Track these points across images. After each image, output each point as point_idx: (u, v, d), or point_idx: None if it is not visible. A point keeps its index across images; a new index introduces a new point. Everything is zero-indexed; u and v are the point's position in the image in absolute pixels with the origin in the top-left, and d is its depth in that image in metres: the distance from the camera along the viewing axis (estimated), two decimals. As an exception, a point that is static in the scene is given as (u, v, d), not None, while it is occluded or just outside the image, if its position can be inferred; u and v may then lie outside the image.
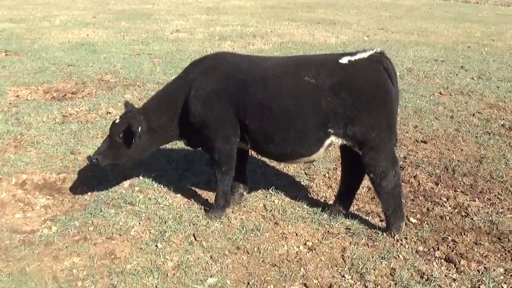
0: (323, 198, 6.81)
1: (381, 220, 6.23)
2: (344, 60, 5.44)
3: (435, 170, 7.65)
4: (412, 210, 6.52)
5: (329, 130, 5.50)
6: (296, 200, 6.67)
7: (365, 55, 5.48)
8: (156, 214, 6.22)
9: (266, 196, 6.74)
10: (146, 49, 16.86)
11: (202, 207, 6.45)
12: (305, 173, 7.51)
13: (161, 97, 6.38)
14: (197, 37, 19.51)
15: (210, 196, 6.69)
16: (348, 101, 5.34)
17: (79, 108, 10.27)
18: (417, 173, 7.56)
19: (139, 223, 6.04)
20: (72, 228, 5.94)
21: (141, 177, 7.19)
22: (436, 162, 7.93)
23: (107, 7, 30.16)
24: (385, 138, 5.47)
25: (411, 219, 6.27)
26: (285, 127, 5.60)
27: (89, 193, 6.85)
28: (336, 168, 7.65)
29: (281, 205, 6.51)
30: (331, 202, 6.64)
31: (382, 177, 5.58)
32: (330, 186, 7.15)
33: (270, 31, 21.30)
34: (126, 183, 7.04)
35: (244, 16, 26.94)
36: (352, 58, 5.45)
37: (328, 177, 7.42)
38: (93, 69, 13.60)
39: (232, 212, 6.32)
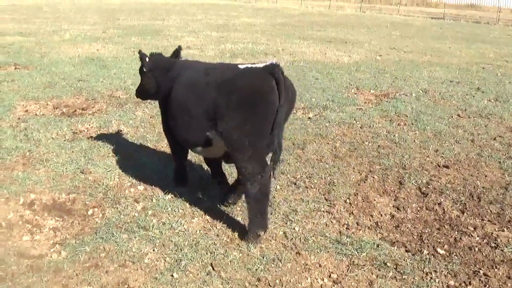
0: (345, 226, 6.48)
1: (407, 251, 5.92)
2: (242, 67, 5.82)
3: (460, 197, 7.33)
4: (439, 240, 6.19)
5: (209, 123, 5.88)
6: (317, 227, 6.36)
7: (261, 65, 5.72)
8: (171, 241, 5.91)
9: (286, 223, 6.42)
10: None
11: (219, 233, 6.13)
12: (325, 198, 7.20)
13: None
14: (208, 54, 19.27)
15: (227, 221, 6.38)
16: (224, 99, 5.65)
17: (89, 125, 10.02)
18: (442, 200, 7.25)
19: (153, 250, 5.72)
20: (82, 253, 5.63)
21: (154, 200, 6.90)
22: (460, 189, 7.61)
23: (117, 22, 30.01)
24: (250, 142, 5.62)
25: (439, 250, 5.95)
26: (180, 117, 6.27)
27: (100, 215, 6.55)
28: (357, 194, 7.36)
29: (302, 233, 6.19)
30: (353, 230, 6.35)
31: (247, 180, 5.75)
32: (352, 213, 6.83)
33: (281, 49, 21.08)
34: (139, 206, 6.74)
35: (254, 34, 26.75)
36: (250, 66, 5.79)
37: (349, 203, 7.11)
38: (103, 85, 13.36)
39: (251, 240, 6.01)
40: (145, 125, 10.05)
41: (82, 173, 7.70)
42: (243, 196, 6.18)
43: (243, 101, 5.59)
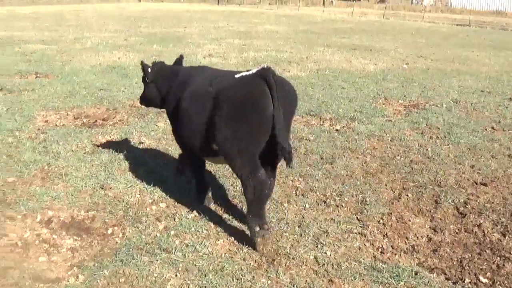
0: (379, 250, 6.08)
1: (447, 279, 5.51)
2: (238, 76, 5.82)
3: (500, 218, 6.88)
4: (480, 267, 5.76)
5: (211, 134, 5.86)
6: (350, 251, 5.97)
7: (254, 70, 5.75)
8: (195, 265, 5.54)
9: (317, 246, 6.02)
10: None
11: (246, 257, 5.76)
12: (357, 218, 6.80)
13: None
14: (230, 62, 18.96)
15: (254, 244, 6.01)
16: (218, 109, 5.71)
17: (110, 137, 9.73)
18: (481, 221, 6.80)
19: (176, 275, 5.36)
20: (101, 278, 5.29)
21: (177, 219, 6.55)
22: (500, 209, 7.16)
23: (139, 30, 29.88)
24: (243, 150, 5.67)
25: (481, 278, 5.52)
26: (187, 127, 6.30)
27: (120, 235, 6.22)
28: (391, 213, 6.95)
29: (334, 258, 5.80)
30: (388, 254, 5.95)
31: (242, 184, 5.84)
32: (386, 235, 6.43)
33: (305, 57, 20.71)
34: (160, 225, 6.39)
35: (277, 41, 26.43)
36: (244, 74, 5.79)
37: (383, 224, 6.70)
38: (124, 94, 13.08)
39: (280, 265, 5.61)
40: (167, 137, 9.69)
41: (102, 188, 7.38)
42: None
43: (234, 111, 5.63)
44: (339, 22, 43.60)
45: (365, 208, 7.04)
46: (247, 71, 5.86)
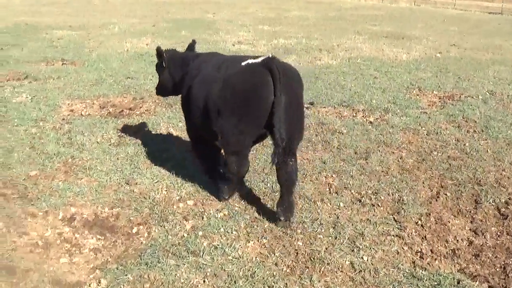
0: (418, 254, 5.73)
1: (490, 286, 5.13)
2: (244, 63, 5.91)
3: (548, 222, 6.49)
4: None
5: (216, 115, 5.98)
6: (388, 256, 5.62)
7: (259, 60, 5.81)
8: (224, 270, 5.23)
9: (353, 250, 5.68)
10: (207, 61, 15.97)
11: (278, 262, 5.43)
12: (394, 219, 6.44)
13: None
14: (260, 50, 18.56)
15: (287, 247, 5.69)
16: (222, 96, 5.82)
17: (136, 128, 9.43)
18: (526, 224, 6.42)
19: (204, 281, 5.05)
20: (124, 283, 5.02)
21: (205, 218, 6.24)
22: (547, 211, 6.76)
23: (167, 16, 29.52)
24: (239, 139, 5.91)
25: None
26: (198, 110, 6.35)
27: (145, 235, 5.94)
28: (429, 214, 6.59)
29: (372, 263, 5.45)
30: (428, 259, 5.60)
31: (225, 166, 6.20)
32: (425, 237, 6.07)
33: (336, 45, 20.22)
34: (188, 225, 6.09)
35: (307, 28, 25.93)
36: (250, 62, 5.88)
37: (421, 225, 6.34)
38: (152, 83, 12.74)
39: (314, 271, 5.27)
40: (196, 129, 9.37)
41: (127, 184, 7.10)
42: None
43: (236, 97, 5.75)
44: (369, 9, 42.86)
45: (402, 208, 6.68)
46: (255, 58, 5.94)
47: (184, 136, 8.95)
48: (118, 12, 30.89)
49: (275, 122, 5.54)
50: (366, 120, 10.33)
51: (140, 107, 10.83)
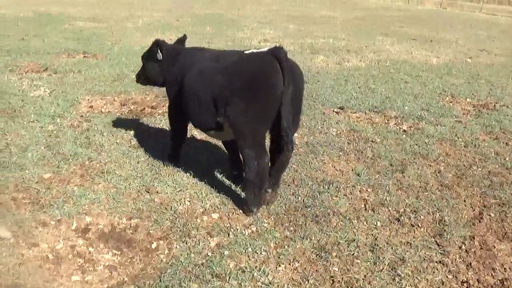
0: (465, 285, 5.18)
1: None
2: (248, 51, 5.91)
3: None
4: None
5: (219, 109, 5.91)
6: (432, 286, 5.09)
7: (265, 49, 5.80)
8: (253, 298, 4.72)
9: (394, 279, 5.13)
10: (233, 59, 15.43)
11: (312, 289, 4.91)
12: (436, 242, 5.88)
13: None
14: (286, 49, 17.86)
15: (322, 272, 5.16)
16: (230, 85, 5.70)
17: (158, 128, 8.93)
18: None
19: (230, 312, 4.54)
20: (142, 309, 4.50)
21: (231, 234, 5.72)
22: None
23: (191, 11, 29.07)
24: (253, 128, 5.74)
25: None
26: (192, 103, 6.29)
27: (166, 251, 5.43)
28: (473, 237, 6.03)
29: (415, 294, 4.92)
30: (477, 292, 5.04)
31: (245, 164, 5.91)
32: (470, 265, 5.51)
33: (364, 47, 19.65)
34: (212, 242, 5.57)
35: (334, 28, 25.36)
36: (255, 51, 5.89)
37: (465, 250, 5.78)
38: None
39: (353, 303, 4.75)
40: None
41: (148, 192, 6.59)
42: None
43: (247, 86, 5.63)
44: (395, 10, 42.15)
45: (444, 230, 6.13)
46: (257, 49, 5.97)
47: (210, 138, 8.44)
48: (142, 5, 30.50)
49: (283, 112, 5.54)
50: (399, 128, 9.78)
51: (163, 106, 10.34)
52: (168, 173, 7.13)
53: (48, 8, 25.40)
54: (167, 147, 7.68)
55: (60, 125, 8.84)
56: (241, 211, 6.21)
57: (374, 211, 6.43)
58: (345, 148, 8.49)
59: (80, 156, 7.55)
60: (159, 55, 7.03)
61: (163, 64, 7.09)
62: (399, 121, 10.23)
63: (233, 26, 23.38)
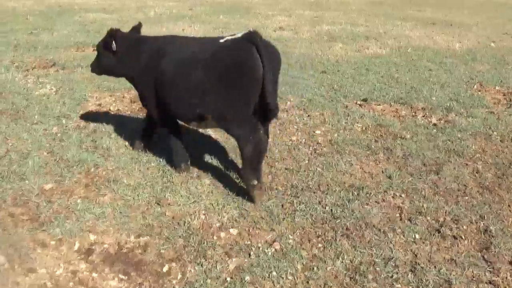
0: (522, 310, 4.51)
1: None
2: (222, 40, 5.83)
3: None
4: None
5: (199, 100, 5.86)
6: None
7: (240, 34, 5.75)
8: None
9: (440, 303, 4.48)
10: (248, 49, 14.73)
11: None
12: (483, 257, 5.20)
13: None
14: (303, 37, 17.36)
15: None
16: (208, 75, 5.70)
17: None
18: None
19: None
20: None
21: (252, 255, 5.06)
22: None
23: (204, -1, 28.39)
24: (237, 111, 5.75)
25: None
26: (170, 93, 6.21)
27: (179, 276, 4.81)
28: (525, 251, 5.34)
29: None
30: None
31: (240, 143, 5.83)
32: (525, 284, 4.84)
33: (383, 32, 18.87)
34: (231, 264, 4.92)
35: (351, 14, 24.56)
36: (230, 38, 5.80)
37: (517, 266, 5.10)
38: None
39: None
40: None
41: (158, 204, 5.96)
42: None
43: (226, 75, 5.65)
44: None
45: (491, 242, 5.44)
46: (231, 35, 5.89)
47: (226, 139, 7.80)
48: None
49: (267, 95, 5.53)
50: (429, 121, 9.08)
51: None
52: (180, 180, 6.50)
53: (59, 0, 24.86)
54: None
55: (66, 126, 8.26)
56: (262, 225, 5.56)
57: (411, 221, 5.75)
58: (373, 146, 7.82)
59: (85, 162, 6.95)
60: (114, 46, 6.81)
61: (119, 55, 6.90)
62: (427, 113, 9.53)
63: (247, 14, 22.70)
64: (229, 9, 24.02)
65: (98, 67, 7.49)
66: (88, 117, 8.77)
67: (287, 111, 9.41)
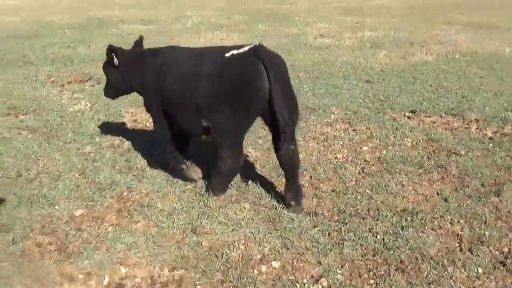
0: None
1: None
2: (228, 54, 5.69)
3: None
4: None
5: (204, 114, 5.85)
6: None
7: (246, 48, 5.65)
8: None
9: None
10: (289, 58, 14.08)
11: None
12: None
13: None
14: (345, 44, 16.83)
15: None
16: (214, 90, 5.66)
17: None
18: None
19: None
20: None
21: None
22: None
23: (243, 7, 28.04)
24: (234, 131, 5.81)
25: None
26: (176, 106, 6.20)
27: (216, 317, 4.33)
28: None
29: None
30: None
31: (220, 161, 5.94)
32: None
33: (428, 38, 18.21)
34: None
35: (393, 19, 23.90)
36: (236, 52, 5.67)
37: None
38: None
39: None
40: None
41: (194, 232, 5.52)
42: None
43: (232, 92, 5.61)
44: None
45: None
46: (237, 48, 5.75)
47: (266, 157, 7.34)
48: (192, 4, 29.63)
49: (276, 109, 5.44)
50: (484, 134, 8.47)
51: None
52: (218, 205, 6.04)
53: (97, 12, 24.80)
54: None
55: (99, 145, 7.96)
56: (308, 257, 5.06)
57: (471, 252, 5.18)
58: (425, 164, 7.27)
59: (118, 185, 6.58)
60: (115, 61, 6.82)
61: (123, 69, 6.89)
62: (481, 125, 8.92)
63: (286, 21, 22.26)
64: (267, 17, 23.61)
65: (110, 89, 7.47)
66: (123, 134, 8.42)
67: (331, 124, 8.92)
